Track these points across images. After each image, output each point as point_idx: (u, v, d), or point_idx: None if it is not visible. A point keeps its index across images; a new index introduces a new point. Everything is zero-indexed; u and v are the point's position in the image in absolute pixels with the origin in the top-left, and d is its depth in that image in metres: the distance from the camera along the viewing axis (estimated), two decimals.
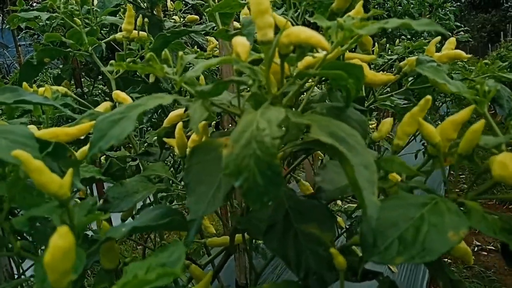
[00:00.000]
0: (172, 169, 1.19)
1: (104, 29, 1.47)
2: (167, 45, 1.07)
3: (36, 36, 2.55)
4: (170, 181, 0.76)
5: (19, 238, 0.66)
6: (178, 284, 0.67)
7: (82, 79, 1.68)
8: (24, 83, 0.81)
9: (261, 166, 0.34)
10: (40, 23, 1.38)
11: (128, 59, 1.06)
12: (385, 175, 0.49)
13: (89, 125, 0.55)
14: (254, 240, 1.14)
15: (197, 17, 1.49)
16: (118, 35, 1.10)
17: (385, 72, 0.98)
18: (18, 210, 0.61)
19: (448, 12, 3.90)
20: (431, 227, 0.39)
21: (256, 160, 0.34)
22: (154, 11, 1.43)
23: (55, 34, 1.09)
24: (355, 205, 1.35)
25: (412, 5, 3.54)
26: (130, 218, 0.89)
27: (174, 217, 0.48)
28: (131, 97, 0.76)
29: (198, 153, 0.46)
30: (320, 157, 1.41)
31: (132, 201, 0.61)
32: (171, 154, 1.02)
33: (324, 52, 0.43)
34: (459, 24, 4.21)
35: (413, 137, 1.57)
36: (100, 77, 1.63)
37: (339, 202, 1.34)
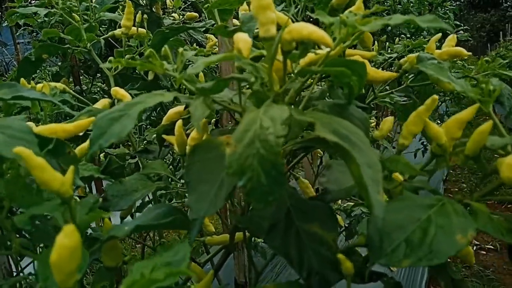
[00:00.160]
0: (171, 166, 1.18)
1: (103, 26, 1.46)
2: (165, 41, 1.06)
3: (35, 33, 2.54)
4: (169, 179, 0.76)
5: (17, 236, 0.65)
6: (178, 282, 0.66)
7: (81, 77, 1.67)
8: (22, 80, 0.80)
9: (265, 165, 0.34)
10: (39, 20, 1.37)
11: (127, 56, 1.06)
12: (389, 175, 0.49)
13: (87, 121, 0.54)
14: (253, 239, 1.14)
15: (196, 14, 1.48)
16: (117, 32, 1.09)
17: (385, 70, 0.98)
18: (16, 208, 0.60)
19: (447, 11, 3.90)
20: (438, 229, 0.38)
21: (260, 159, 0.34)
22: (153, 9, 1.43)
23: (53, 30, 1.07)
24: (353, 203, 1.35)
25: (411, 4, 3.53)
26: (129, 216, 0.89)
27: (177, 216, 0.47)
28: (130, 94, 0.75)
29: (199, 151, 0.45)
30: (319, 155, 1.41)
31: (132, 199, 0.61)
32: (170, 152, 1.02)
33: (326, 49, 0.43)
34: (458, 23, 4.21)
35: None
36: (98, 74, 1.62)
37: (338, 200, 1.34)
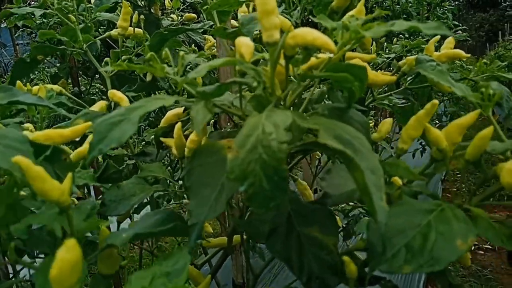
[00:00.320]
0: (169, 168, 1.18)
1: (102, 27, 1.45)
2: (164, 43, 1.06)
3: (34, 35, 2.53)
4: (168, 181, 0.75)
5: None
6: None
7: (80, 78, 1.67)
8: (18, 82, 0.79)
9: (268, 171, 0.33)
10: (37, 21, 1.36)
11: (124, 57, 1.05)
12: (388, 179, 0.49)
13: (84, 126, 0.53)
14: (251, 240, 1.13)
15: (195, 15, 1.48)
16: (113, 32, 1.08)
17: (382, 71, 0.98)
18: None
19: (446, 11, 3.91)
20: (439, 235, 0.38)
21: (262, 164, 0.33)
22: (151, 10, 1.42)
23: (50, 31, 1.06)
24: (352, 206, 1.35)
25: (410, 4, 3.53)
26: (128, 219, 0.88)
27: (176, 223, 0.47)
28: (127, 95, 0.74)
29: (200, 155, 0.45)
30: (317, 157, 1.40)
31: (129, 204, 0.60)
32: (168, 154, 1.01)
33: (327, 53, 0.43)
34: (457, 23, 4.22)
35: None
36: (97, 75, 1.61)
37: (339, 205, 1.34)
